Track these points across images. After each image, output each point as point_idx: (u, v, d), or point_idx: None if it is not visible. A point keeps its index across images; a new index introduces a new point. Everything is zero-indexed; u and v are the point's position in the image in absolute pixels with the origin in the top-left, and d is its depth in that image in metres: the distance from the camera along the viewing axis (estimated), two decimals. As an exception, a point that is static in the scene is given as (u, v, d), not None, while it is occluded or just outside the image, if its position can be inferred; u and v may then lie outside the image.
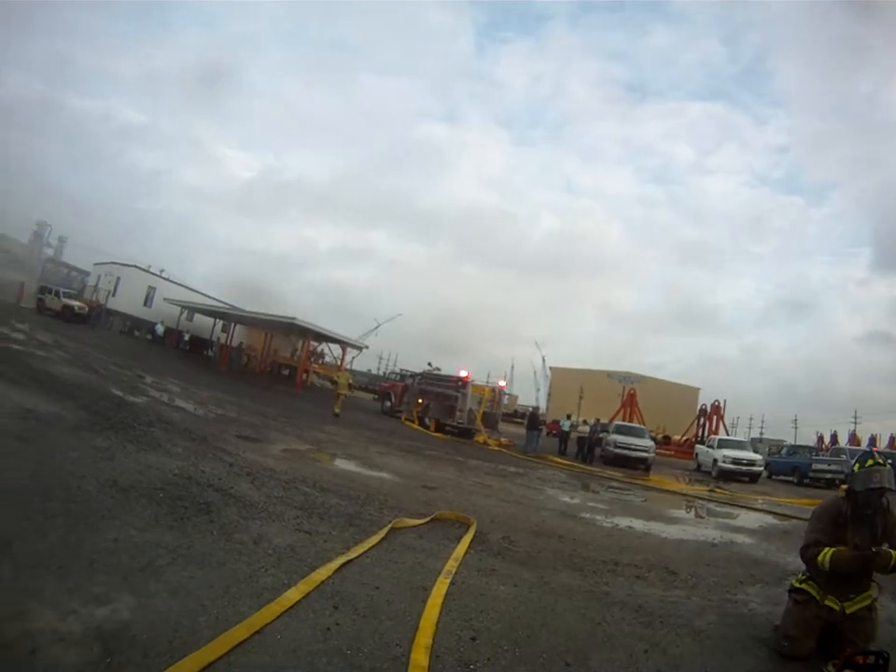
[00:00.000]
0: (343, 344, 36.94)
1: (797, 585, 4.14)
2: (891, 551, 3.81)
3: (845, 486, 4.22)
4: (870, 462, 4.06)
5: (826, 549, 3.93)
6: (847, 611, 3.90)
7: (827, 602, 3.93)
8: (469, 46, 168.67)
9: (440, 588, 4.01)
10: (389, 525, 5.42)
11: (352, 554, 4.39)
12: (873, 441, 36.60)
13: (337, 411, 20.40)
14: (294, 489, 6.38)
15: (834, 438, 39.71)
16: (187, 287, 43.36)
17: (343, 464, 9.56)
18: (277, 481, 6.59)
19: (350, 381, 24.44)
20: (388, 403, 27.66)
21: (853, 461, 4.32)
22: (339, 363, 38.70)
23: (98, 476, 5.11)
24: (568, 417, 25.98)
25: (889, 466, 4.07)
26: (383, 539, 5.03)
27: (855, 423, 56.01)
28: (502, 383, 26.59)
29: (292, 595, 3.40)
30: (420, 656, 2.91)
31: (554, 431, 30.48)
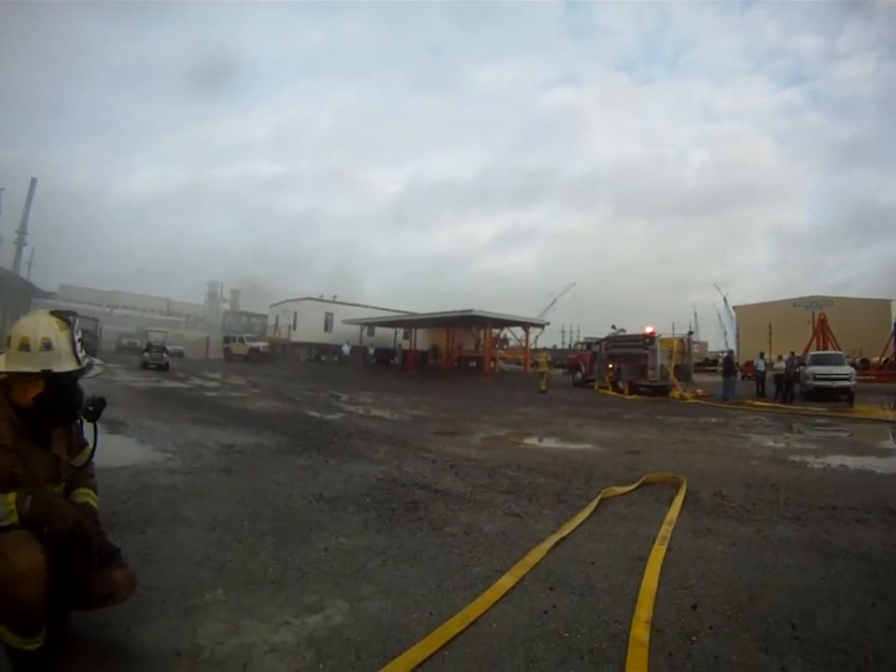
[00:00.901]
0: (525, 325, 37.44)
1: None
2: None
3: None
4: None
5: None
6: None
7: None
8: (559, 5, 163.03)
9: (656, 556, 3.91)
10: (599, 497, 5.38)
11: (564, 532, 4.36)
12: None
13: (543, 388, 22.47)
14: (499, 475, 6.43)
15: None
16: (362, 305, 46.40)
17: (544, 442, 9.59)
18: (481, 469, 6.69)
19: (549, 359, 26.75)
20: (579, 374, 27.81)
21: None
22: (524, 345, 38.72)
23: (304, 493, 5.38)
24: (762, 356, 24.68)
25: None
26: (593, 511, 5.00)
27: None
28: (689, 332, 25.23)
29: (506, 581, 3.38)
30: (640, 631, 2.83)
31: (750, 373, 28.59)
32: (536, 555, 3.82)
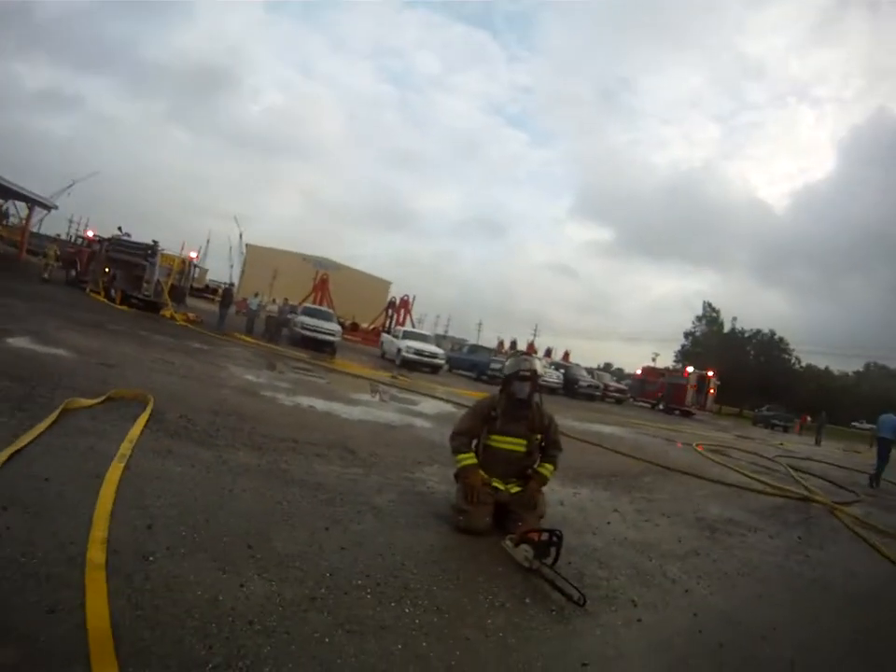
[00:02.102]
0: (31, 202, 30.74)
1: (457, 466, 4.66)
2: (533, 491, 4.54)
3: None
4: (519, 353, 4.56)
5: (467, 456, 4.56)
6: (512, 491, 4.44)
7: (494, 483, 4.39)
8: None
9: (113, 474, 3.80)
10: (61, 407, 5.05)
11: (20, 444, 3.99)
12: (548, 352, 42.60)
13: (46, 276, 24.44)
14: None
15: (514, 344, 46.16)
16: None
17: (15, 341, 8.63)
18: None
19: (57, 252, 28.13)
20: (73, 272, 25.66)
21: (508, 359, 5.03)
22: (23, 223, 32.45)
23: None
24: (256, 296, 26.82)
25: (541, 362, 4.68)
26: (53, 422, 4.68)
27: (534, 336, 65.98)
28: (193, 254, 24.74)
29: None
30: (96, 553, 2.73)
31: (243, 310, 29.94)
32: None
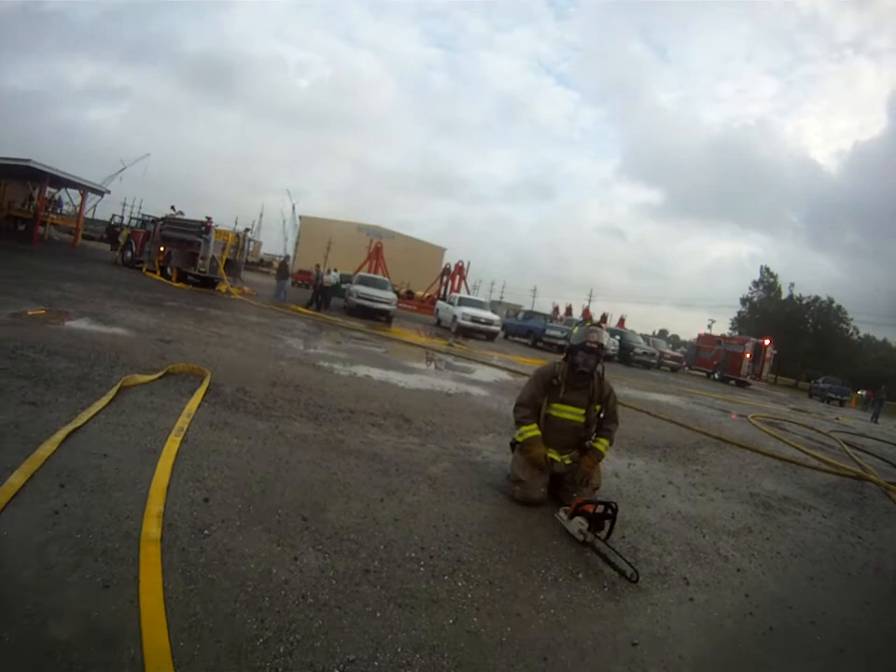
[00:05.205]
0: (83, 189, 31.73)
1: (520, 439, 4.57)
2: (588, 468, 4.43)
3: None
4: (588, 323, 4.39)
5: (530, 428, 4.47)
6: (567, 462, 4.35)
7: (550, 454, 4.31)
8: None
9: (170, 448, 3.87)
10: (118, 385, 5.12)
11: (78, 422, 4.05)
12: (604, 318, 41.82)
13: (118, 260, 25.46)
14: (20, 357, 5.67)
15: (569, 310, 44.98)
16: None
17: (75, 323, 8.64)
18: (2, 350, 5.79)
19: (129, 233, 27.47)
20: (129, 253, 25.75)
21: (574, 327, 4.85)
22: (78, 211, 33.45)
23: None
24: (336, 270, 26.72)
25: (606, 332, 4.51)
26: (111, 400, 4.74)
27: (590, 301, 64.95)
28: (247, 228, 25.10)
29: (16, 479, 3.04)
30: (151, 528, 2.79)
31: (302, 281, 30.37)
32: (48, 448, 3.51)
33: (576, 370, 4.47)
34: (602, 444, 4.50)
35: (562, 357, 4.73)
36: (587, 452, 4.46)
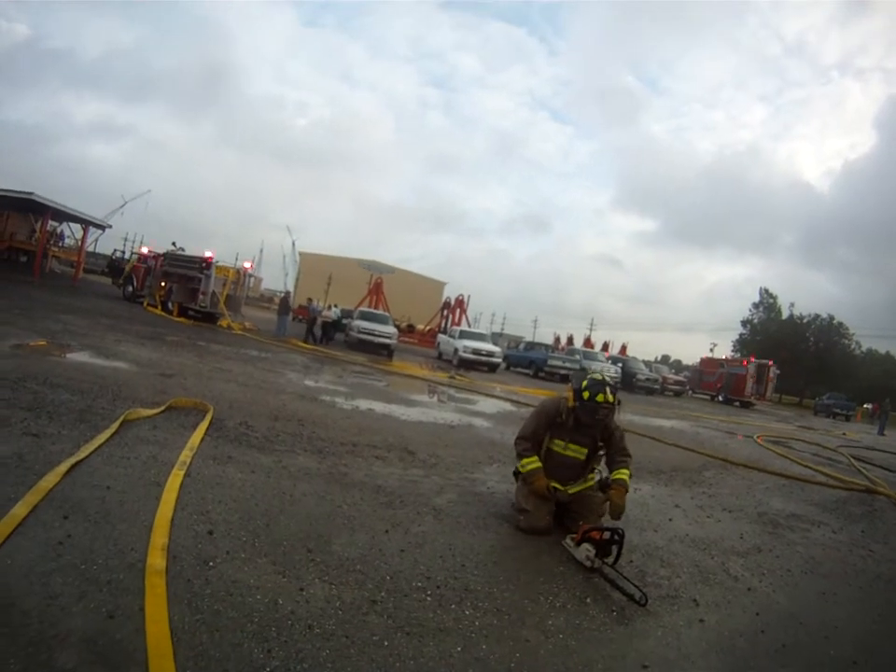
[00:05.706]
0: (85, 223, 32.17)
1: (522, 471, 4.54)
2: (621, 500, 4.25)
3: (571, 391, 4.55)
4: (599, 397, 4.23)
5: (531, 461, 4.43)
6: (570, 492, 4.33)
7: (553, 484, 4.29)
8: None
9: (173, 482, 3.90)
10: (121, 418, 5.17)
11: (81, 454, 4.11)
12: (605, 346, 41.79)
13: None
14: (23, 388, 5.77)
15: (570, 340, 45.07)
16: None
17: (77, 356, 8.79)
18: (4, 381, 5.89)
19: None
20: (130, 288, 26.10)
21: (583, 383, 4.47)
22: (80, 244, 33.93)
23: None
24: (336, 306, 27.78)
25: (614, 395, 4.33)
26: (114, 433, 4.80)
27: (591, 330, 65.13)
28: (247, 264, 25.39)
29: (19, 510, 3.07)
30: (156, 559, 2.80)
31: (302, 316, 30.56)
32: (51, 480, 3.55)
33: (580, 423, 4.38)
34: (624, 474, 4.36)
35: (567, 390, 4.55)
36: (612, 486, 4.31)
